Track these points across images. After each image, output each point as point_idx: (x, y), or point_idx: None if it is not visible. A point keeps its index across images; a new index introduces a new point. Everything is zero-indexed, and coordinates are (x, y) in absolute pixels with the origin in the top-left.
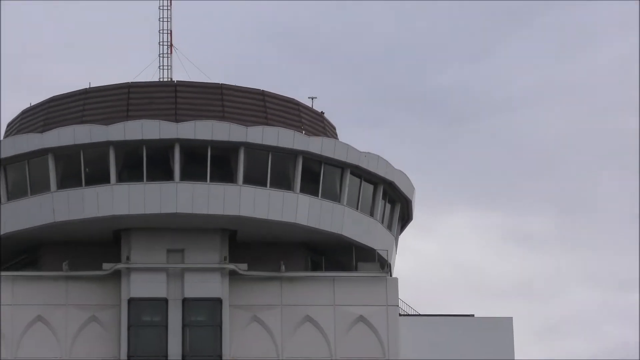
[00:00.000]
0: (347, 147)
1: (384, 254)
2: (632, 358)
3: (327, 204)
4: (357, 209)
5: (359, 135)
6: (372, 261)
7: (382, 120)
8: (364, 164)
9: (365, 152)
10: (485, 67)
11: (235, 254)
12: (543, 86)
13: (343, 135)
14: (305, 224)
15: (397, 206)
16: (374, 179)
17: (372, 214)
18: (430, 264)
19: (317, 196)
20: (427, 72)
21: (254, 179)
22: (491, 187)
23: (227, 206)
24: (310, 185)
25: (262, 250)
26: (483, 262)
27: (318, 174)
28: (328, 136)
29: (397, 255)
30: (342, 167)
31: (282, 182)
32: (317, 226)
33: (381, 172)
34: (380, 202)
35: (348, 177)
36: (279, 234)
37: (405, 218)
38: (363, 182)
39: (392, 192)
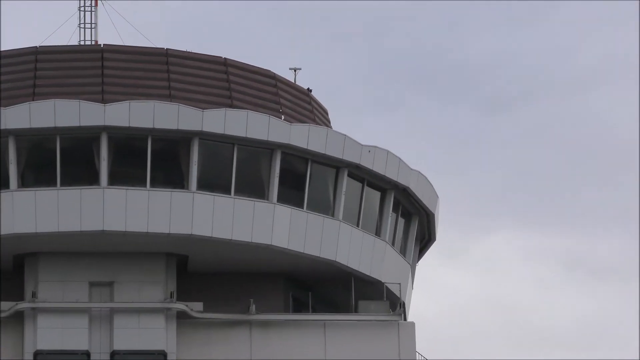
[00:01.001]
0: (344, 139)
1: (395, 289)
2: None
3: (316, 219)
4: (357, 225)
5: (360, 123)
6: (378, 299)
7: (393, 104)
8: (367, 163)
9: (369, 146)
10: (538, 33)
11: (186, 289)
12: (618, 60)
13: (339, 123)
14: (284, 246)
15: (414, 222)
16: (381, 184)
17: (378, 233)
18: (461, 303)
19: (302, 207)
20: (458, 40)
21: (213, 183)
22: (547, 198)
23: (175, 222)
24: (292, 192)
25: (224, 284)
26: (536, 300)
27: (303, 177)
28: (317, 123)
29: (413, 291)
30: (336, 166)
31: (253, 187)
32: (301, 250)
33: (392, 174)
34: (390, 216)
35: (345, 180)
36: (248, 261)
37: (425, 238)
38: (366, 188)
39: (407, 201)
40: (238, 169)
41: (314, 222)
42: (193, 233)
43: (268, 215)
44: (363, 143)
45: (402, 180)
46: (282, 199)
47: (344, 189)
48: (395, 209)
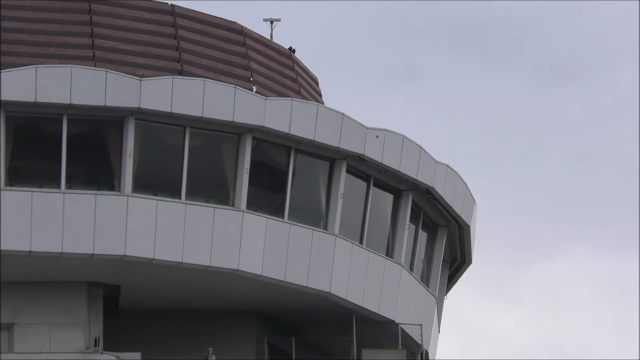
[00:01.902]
0: (342, 119)
1: (414, 332)
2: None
3: (302, 233)
4: (360, 242)
5: (365, 98)
6: (391, 346)
7: (411, 72)
8: (374, 153)
9: (377, 130)
10: None
11: (117, 333)
12: None
13: (333, 97)
14: (257, 272)
15: (441, 237)
16: (394, 183)
17: (390, 253)
18: (508, 352)
19: (282, 217)
20: None
21: (156, 182)
22: (634, 206)
23: (102, 238)
24: (267, 196)
25: (172, 326)
26: (616, 350)
27: (284, 173)
28: (304, 96)
29: (440, 335)
30: (331, 157)
31: (212, 188)
32: (280, 277)
33: (409, 169)
34: (406, 229)
35: (343, 177)
36: (206, 294)
37: (457, 261)
38: (373, 189)
39: (432, 208)
40: (191, 162)
41: (298, 238)
42: (127, 254)
43: (234, 227)
44: (368, 125)
45: (424, 177)
46: (254, 205)
47: (341, 190)
48: (414, 219)
